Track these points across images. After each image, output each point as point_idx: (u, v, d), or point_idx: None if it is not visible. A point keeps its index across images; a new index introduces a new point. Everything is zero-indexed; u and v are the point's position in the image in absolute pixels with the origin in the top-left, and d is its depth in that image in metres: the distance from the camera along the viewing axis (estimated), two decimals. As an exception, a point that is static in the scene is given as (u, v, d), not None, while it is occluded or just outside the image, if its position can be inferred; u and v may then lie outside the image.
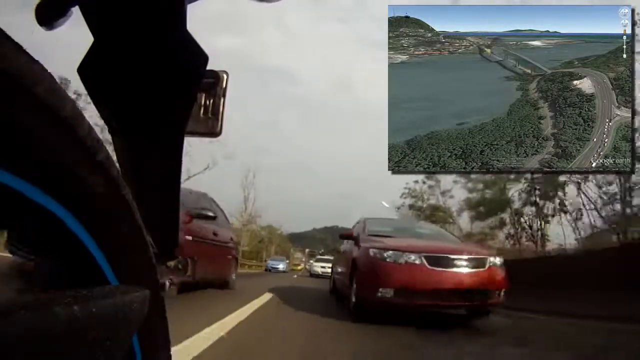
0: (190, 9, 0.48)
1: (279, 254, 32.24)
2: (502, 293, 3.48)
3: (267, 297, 5.19)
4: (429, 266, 3.26)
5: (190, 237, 3.90)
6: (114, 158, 0.43)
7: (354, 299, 3.59)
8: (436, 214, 21.65)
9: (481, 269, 3.37)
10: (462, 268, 3.32)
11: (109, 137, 0.49)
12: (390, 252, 3.37)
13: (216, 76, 0.66)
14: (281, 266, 23.58)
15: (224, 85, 0.66)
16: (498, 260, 3.57)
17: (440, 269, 3.27)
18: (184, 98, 0.48)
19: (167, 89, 0.46)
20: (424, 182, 22.65)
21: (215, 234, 4.87)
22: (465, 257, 3.40)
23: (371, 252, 3.49)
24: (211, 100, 0.65)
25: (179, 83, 0.46)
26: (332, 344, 2.48)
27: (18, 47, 0.25)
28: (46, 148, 0.27)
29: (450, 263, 3.31)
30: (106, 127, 0.48)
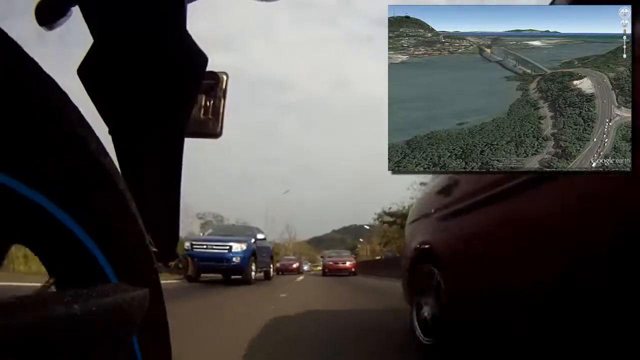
0: (190, 9, 0.48)
1: (306, 260, 43.23)
2: (353, 270, 17.56)
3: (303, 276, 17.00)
4: (333, 264, 17.82)
5: (299, 265, 22.96)
6: (114, 158, 0.43)
7: (322, 272, 18.85)
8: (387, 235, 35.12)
9: (345, 264, 17.74)
10: (340, 264, 17.77)
11: (109, 137, 0.49)
12: (327, 261, 18.50)
13: (216, 77, 0.66)
14: (306, 267, 33.54)
15: (224, 87, 0.67)
16: (353, 261, 18.71)
17: (335, 265, 17.78)
18: (184, 99, 0.48)
19: (167, 90, 0.46)
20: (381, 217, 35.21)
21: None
22: (341, 261, 18.05)
23: (325, 262, 18.79)
24: (211, 101, 0.65)
25: (179, 84, 0.47)
26: (318, 280, 12.63)
27: (18, 49, 0.25)
28: (45, 149, 0.27)
29: (337, 263, 17.92)
30: (106, 127, 0.48)
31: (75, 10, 0.44)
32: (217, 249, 7.61)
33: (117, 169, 0.36)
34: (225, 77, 0.67)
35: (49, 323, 0.22)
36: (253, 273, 8.08)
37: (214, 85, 0.65)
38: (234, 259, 7.49)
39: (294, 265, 20.48)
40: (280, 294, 5.68)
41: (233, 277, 7.88)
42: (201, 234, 10.47)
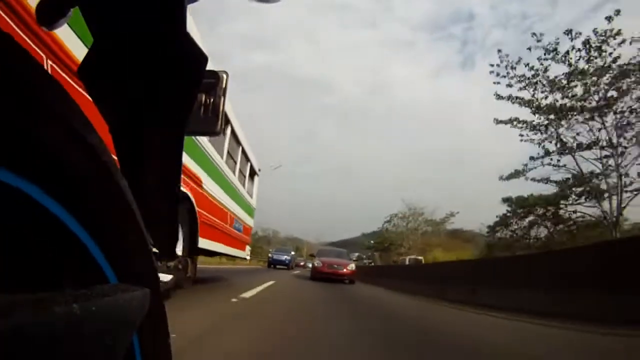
0: (191, 9, 0.48)
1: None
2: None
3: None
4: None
5: (305, 263, 39.01)
6: (114, 158, 0.43)
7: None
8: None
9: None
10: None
11: (109, 136, 0.49)
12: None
13: (216, 76, 0.66)
14: (310, 265, 41.84)
15: (224, 85, 0.67)
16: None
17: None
18: (184, 98, 0.48)
19: (167, 89, 0.46)
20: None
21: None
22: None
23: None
24: (211, 100, 0.66)
25: (179, 83, 0.47)
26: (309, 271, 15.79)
27: (21, 50, 0.25)
28: (46, 148, 0.27)
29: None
30: (106, 126, 0.48)
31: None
32: (280, 256, 24.66)
33: (117, 167, 0.36)
34: (225, 76, 0.67)
35: (49, 323, 0.22)
36: (290, 265, 25.33)
37: (214, 84, 0.66)
38: (285, 260, 24.41)
39: (302, 263, 36.52)
40: (294, 271, 21.24)
41: (279, 267, 23.81)
42: (270, 250, 28.87)
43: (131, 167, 0.47)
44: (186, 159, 3.70)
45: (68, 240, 0.30)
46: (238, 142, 6.18)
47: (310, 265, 18.60)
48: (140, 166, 0.50)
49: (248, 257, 7.03)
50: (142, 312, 0.32)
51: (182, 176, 3.92)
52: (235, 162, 6.08)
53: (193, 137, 3.86)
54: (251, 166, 6.87)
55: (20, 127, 0.25)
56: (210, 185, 4.51)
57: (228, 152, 5.49)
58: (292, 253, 27.27)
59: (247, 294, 5.10)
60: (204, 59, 0.47)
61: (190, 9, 0.47)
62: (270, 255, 25.56)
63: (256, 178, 7.73)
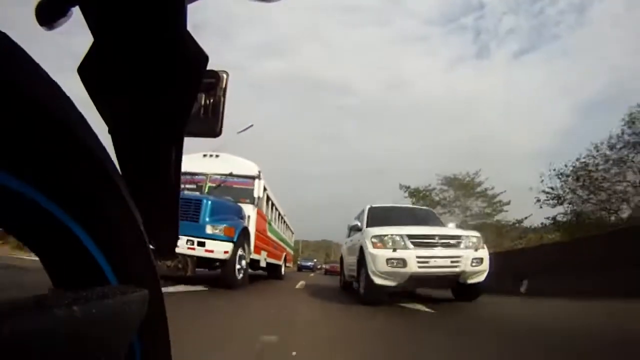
0: (191, 9, 0.48)
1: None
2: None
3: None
4: (328, 268, 33.86)
5: (321, 266, 52.48)
6: (114, 158, 0.43)
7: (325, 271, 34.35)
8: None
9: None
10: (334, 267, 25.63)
11: (109, 137, 0.49)
12: (323, 266, 44.88)
13: (216, 76, 0.66)
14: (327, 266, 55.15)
15: (224, 85, 0.66)
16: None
17: (332, 268, 30.67)
18: (184, 98, 0.48)
19: (167, 89, 0.46)
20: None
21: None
22: (335, 266, 25.42)
23: (323, 266, 44.80)
24: (211, 100, 0.65)
25: (179, 83, 0.46)
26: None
27: (19, 50, 0.25)
28: (46, 150, 0.27)
29: (333, 267, 29.57)
30: (106, 127, 0.48)
31: (75, 10, 0.44)
32: (306, 263, 38.98)
33: (117, 169, 0.36)
34: (225, 76, 0.67)
35: (49, 324, 0.22)
36: (313, 269, 37.51)
37: (214, 84, 0.65)
38: (310, 265, 38.50)
39: (318, 266, 44.45)
40: (317, 272, 32.82)
41: (304, 270, 34.59)
42: (299, 259, 41.79)
43: (131, 168, 0.47)
44: (283, 244, 10.53)
45: (70, 243, 0.30)
46: (288, 226, 13.88)
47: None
48: (140, 166, 0.50)
49: (292, 265, 16.28)
50: (142, 313, 0.32)
51: (285, 249, 12.29)
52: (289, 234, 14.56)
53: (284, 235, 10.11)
54: (290, 229, 15.26)
55: (20, 130, 0.24)
56: (287, 249, 11.93)
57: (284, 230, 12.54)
58: (314, 260, 43.14)
59: (311, 275, 20.24)
60: (204, 58, 0.47)
61: (190, 9, 0.47)
62: (299, 262, 38.22)
63: (293, 236, 17.40)
